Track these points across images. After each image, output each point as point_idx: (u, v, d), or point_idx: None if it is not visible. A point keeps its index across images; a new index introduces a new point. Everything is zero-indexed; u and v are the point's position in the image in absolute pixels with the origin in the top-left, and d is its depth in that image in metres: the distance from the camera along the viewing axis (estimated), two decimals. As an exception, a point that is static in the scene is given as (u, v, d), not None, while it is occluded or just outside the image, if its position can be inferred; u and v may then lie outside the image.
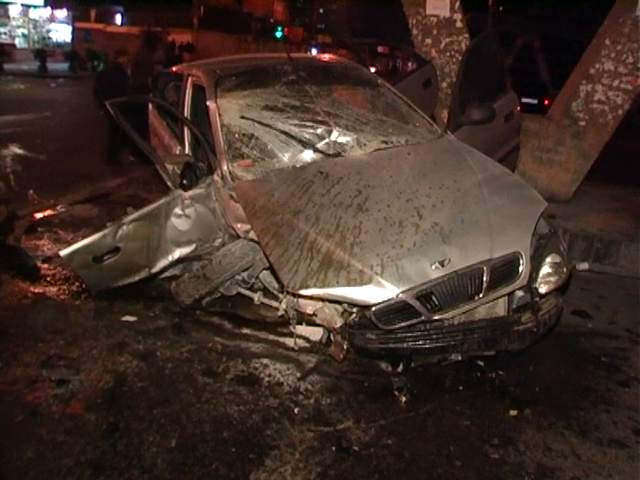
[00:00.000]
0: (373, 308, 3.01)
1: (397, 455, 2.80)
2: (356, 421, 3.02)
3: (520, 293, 3.27)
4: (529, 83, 11.61)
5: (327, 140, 3.88)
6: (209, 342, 3.66)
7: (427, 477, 2.68)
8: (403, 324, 3.05)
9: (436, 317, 3.05)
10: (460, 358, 3.31)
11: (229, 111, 3.93)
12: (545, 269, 3.28)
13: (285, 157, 3.82)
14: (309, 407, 3.11)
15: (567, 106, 5.74)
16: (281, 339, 3.70)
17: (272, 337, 3.74)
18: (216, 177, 3.86)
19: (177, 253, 4.06)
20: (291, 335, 3.57)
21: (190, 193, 3.92)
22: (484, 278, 3.06)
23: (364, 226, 3.23)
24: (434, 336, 3.12)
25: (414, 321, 3.04)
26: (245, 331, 3.82)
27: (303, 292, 3.05)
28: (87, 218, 5.77)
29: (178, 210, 3.97)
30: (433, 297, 3.03)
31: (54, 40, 27.78)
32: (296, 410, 3.08)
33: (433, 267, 3.04)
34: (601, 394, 3.36)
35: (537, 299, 3.26)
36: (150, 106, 5.67)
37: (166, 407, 3.07)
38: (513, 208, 3.36)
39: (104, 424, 2.94)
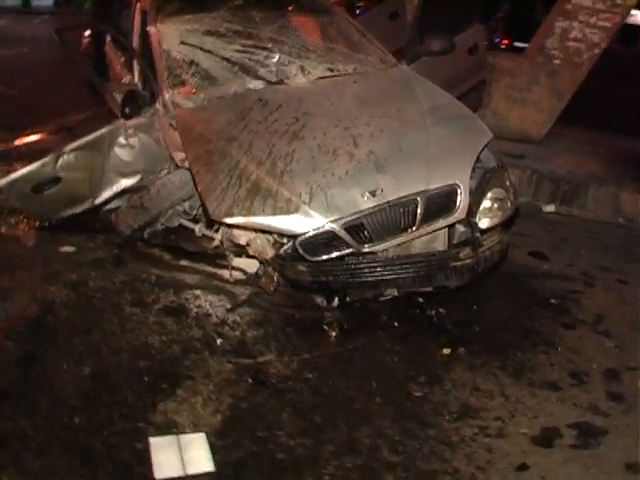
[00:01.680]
0: (299, 238, 2.87)
1: (315, 389, 2.70)
2: (279, 354, 2.91)
3: (462, 228, 3.11)
4: (525, 28, 11.21)
5: (270, 67, 3.67)
6: (145, 273, 3.54)
7: (343, 412, 2.58)
8: (331, 255, 2.91)
9: (366, 249, 2.90)
10: (397, 294, 3.18)
11: (170, 36, 3.71)
12: (486, 203, 3.11)
13: (227, 84, 3.63)
14: (233, 339, 3.00)
15: (542, 43, 5.45)
16: (219, 271, 3.55)
17: (210, 269, 3.60)
18: (158, 106, 3.68)
19: (122, 184, 3.90)
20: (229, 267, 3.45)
21: (133, 122, 3.74)
22: (418, 210, 2.90)
23: (297, 154, 3.07)
24: (366, 270, 2.99)
25: (343, 253, 2.91)
26: (183, 263, 3.69)
27: (227, 220, 2.91)
28: (47, 151, 5.58)
29: (122, 140, 3.79)
30: (363, 228, 2.88)
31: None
32: (219, 342, 2.97)
33: (364, 197, 2.88)
34: (544, 336, 3.23)
35: (477, 234, 3.10)
36: (108, 38, 5.43)
37: (88, 336, 2.98)
38: (455, 139, 3.17)
39: (20, 352, 2.85)
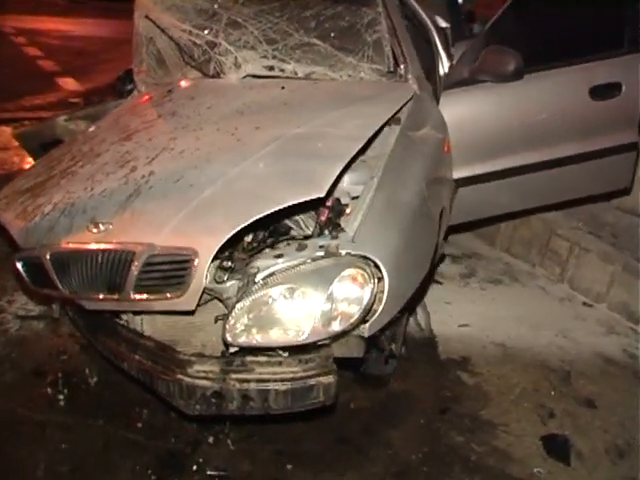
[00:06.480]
0: (17, 254, 2.18)
1: None
2: None
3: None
4: None
5: (208, 55, 2.82)
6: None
7: None
8: (46, 290, 2.14)
9: (68, 294, 2.02)
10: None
11: (141, 8, 3.18)
12: (244, 308, 1.80)
13: (174, 70, 3.03)
14: None
15: None
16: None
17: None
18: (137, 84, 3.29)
19: None
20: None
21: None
22: (132, 269, 1.86)
23: (102, 157, 2.35)
24: (89, 331, 2.22)
25: (53, 292, 2.09)
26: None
27: None
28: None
29: None
30: (68, 268, 2.00)
31: None
32: None
33: (87, 228, 1.99)
34: None
35: (234, 349, 1.87)
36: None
37: None
38: (264, 185, 1.93)
39: None
